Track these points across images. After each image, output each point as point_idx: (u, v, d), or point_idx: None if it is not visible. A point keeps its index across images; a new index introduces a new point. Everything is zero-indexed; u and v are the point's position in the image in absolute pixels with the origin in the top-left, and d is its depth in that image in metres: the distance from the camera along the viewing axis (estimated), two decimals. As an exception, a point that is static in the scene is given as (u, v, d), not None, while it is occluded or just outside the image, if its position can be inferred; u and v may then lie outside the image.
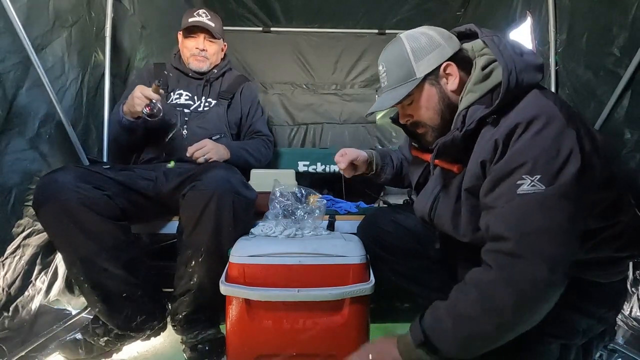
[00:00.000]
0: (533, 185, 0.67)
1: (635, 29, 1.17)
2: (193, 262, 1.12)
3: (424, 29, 0.88)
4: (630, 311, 1.22)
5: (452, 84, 0.84)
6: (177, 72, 1.61)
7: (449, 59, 0.84)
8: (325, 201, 1.22)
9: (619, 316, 1.17)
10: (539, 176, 0.67)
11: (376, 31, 2.48)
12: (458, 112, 0.81)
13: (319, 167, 1.89)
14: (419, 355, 0.75)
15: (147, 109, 1.30)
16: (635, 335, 1.20)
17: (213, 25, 1.55)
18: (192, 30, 1.55)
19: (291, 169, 1.66)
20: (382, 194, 1.98)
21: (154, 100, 1.30)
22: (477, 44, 0.84)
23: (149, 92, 1.28)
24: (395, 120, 1.01)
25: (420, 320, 0.76)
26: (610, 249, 0.79)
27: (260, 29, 2.45)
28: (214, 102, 1.57)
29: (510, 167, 0.70)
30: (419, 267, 1.09)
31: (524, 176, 0.68)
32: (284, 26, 2.46)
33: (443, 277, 1.06)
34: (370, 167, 1.18)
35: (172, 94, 1.56)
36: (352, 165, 1.16)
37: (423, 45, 0.84)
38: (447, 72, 0.84)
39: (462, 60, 0.85)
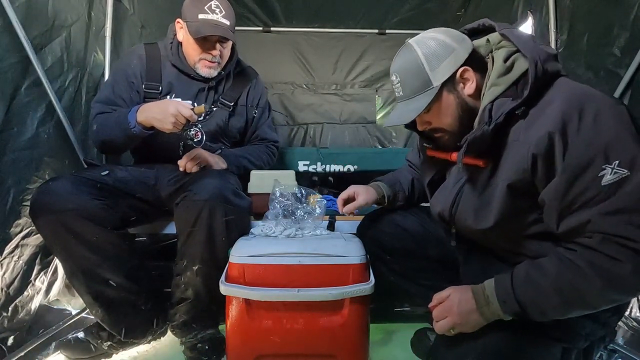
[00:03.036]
0: (615, 173, 0.66)
1: (636, 29, 1.17)
2: (188, 272, 1.11)
3: (433, 33, 0.85)
4: (630, 311, 1.22)
5: (469, 88, 0.83)
6: (175, 70, 1.38)
7: (464, 63, 0.82)
8: (325, 201, 1.21)
9: (619, 317, 1.17)
10: (617, 161, 0.66)
11: (376, 31, 2.47)
12: (483, 106, 0.78)
13: (319, 167, 1.88)
14: (502, 317, 0.74)
15: (197, 135, 1.18)
16: (635, 336, 1.20)
17: (228, 23, 1.30)
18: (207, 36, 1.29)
19: (291, 169, 1.65)
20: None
21: (198, 126, 1.18)
22: (494, 37, 0.83)
23: (190, 113, 1.12)
24: (408, 125, 0.99)
25: (513, 290, 0.72)
26: None
27: (261, 28, 2.44)
28: (215, 108, 1.41)
29: (585, 161, 0.67)
30: (418, 268, 1.09)
31: (603, 166, 0.66)
32: (284, 26, 2.45)
33: (442, 277, 1.05)
34: (382, 201, 1.15)
35: (167, 97, 1.36)
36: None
37: (436, 51, 0.82)
38: (463, 77, 0.82)
39: (476, 62, 0.83)
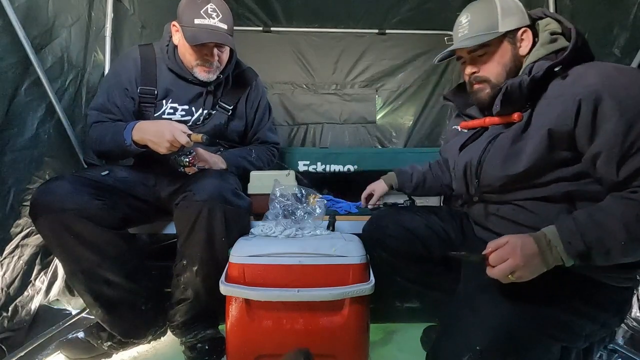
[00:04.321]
0: None
1: (636, 29, 1.17)
2: (188, 273, 1.11)
3: None
4: (630, 311, 1.22)
5: (524, 48, 0.92)
6: (171, 75, 1.33)
7: (527, 26, 0.92)
8: (325, 201, 1.21)
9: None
10: None
11: (376, 31, 2.47)
12: (527, 63, 0.88)
13: (319, 167, 1.88)
14: (565, 262, 0.74)
15: (190, 164, 1.16)
16: (635, 336, 1.20)
17: (226, 27, 1.25)
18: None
19: (291, 168, 1.65)
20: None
21: (192, 151, 1.16)
22: (543, 21, 0.93)
23: (187, 140, 1.09)
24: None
25: (578, 230, 0.73)
26: None
27: (261, 28, 2.44)
28: (213, 112, 1.38)
29: (638, 107, 0.74)
30: (424, 270, 1.09)
31: None
32: (284, 26, 2.45)
33: (447, 278, 1.06)
34: (391, 189, 1.36)
35: (164, 102, 1.32)
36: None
37: (511, 6, 0.93)
38: (522, 37, 0.92)
39: (533, 31, 0.93)
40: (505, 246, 0.76)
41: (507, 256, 0.74)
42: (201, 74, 1.31)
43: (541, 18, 0.94)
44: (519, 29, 0.91)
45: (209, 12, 1.23)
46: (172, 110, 1.34)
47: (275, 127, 1.66)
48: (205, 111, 1.38)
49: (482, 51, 0.93)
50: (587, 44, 0.86)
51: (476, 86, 0.96)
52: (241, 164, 1.42)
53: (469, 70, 0.97)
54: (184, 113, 1.35)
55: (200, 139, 1.11)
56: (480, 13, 0.94)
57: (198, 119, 1.37)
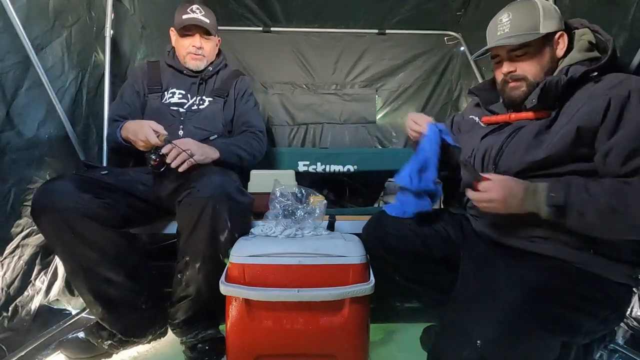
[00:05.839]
0: None
1: (635, 29, 1.17)
2: (190, 269, 1.12)
3: (549, 2, 0.99)
4: (630, 311, 1.22)
5: (560, 50, 0.96)
6: (171, 70, 1.55)
7: (562, 31, 0.96)
8: (325, 201, 1.21)
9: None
10: None
11: (376, 31, 2.48)
12: (563, 64, 0.93)
13: (319, 167, 1.89)
14: (540, 211, 0.81)
15: (154, 161, 1.22)
16: (635, 335, 1.20)
17: (208, 21, 1.49)
18: (188, 28, 1.48)
19: (291, 169, 1.65)
20: (382, 194, 1.98)
21: (161, 152, 1.22)
22: (580, 30, 0.97)
23: (156, 140, 1.21)
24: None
25: (569, 188, 0.80)
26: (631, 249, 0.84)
27: (261, 28, 2.45)
28: (208, 100, 1.52)
29: None
30: (423, 269, 1.10)
31: None
32: (284, 26, 2.46)
33: (447, 277, 1.06)
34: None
35: (165, 92, 1.50)
36: None
37: (550, 9, 0.96)
38: (559, 40, 0.96)
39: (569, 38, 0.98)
40: (498, 182, 0.85)
41: (492, 190, 0.85)
42: (191, 62, 1.51)
43: (577, 28, 0.98)
44: (556, 32, 0.95)
45: (194, 9, 1.50)
46: (171, 95, 1.51)
47: (261, 117, 1.67)
48: (199, 98, 1.52)
49: (522, 51, 0.95)
50: (617, 57, 0.92)
51: (512, 84, 0.98)
52: (234, 151, 1.41)
53: (506, 68, 0.99)
54: (180, 96, 1.51)
55: (163, 139, 1.21)
56: (522, 12, 0.95)
57: (193, 104, 1.50)
